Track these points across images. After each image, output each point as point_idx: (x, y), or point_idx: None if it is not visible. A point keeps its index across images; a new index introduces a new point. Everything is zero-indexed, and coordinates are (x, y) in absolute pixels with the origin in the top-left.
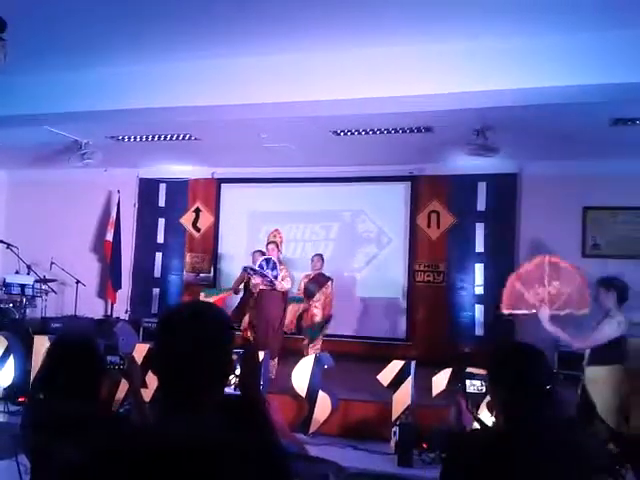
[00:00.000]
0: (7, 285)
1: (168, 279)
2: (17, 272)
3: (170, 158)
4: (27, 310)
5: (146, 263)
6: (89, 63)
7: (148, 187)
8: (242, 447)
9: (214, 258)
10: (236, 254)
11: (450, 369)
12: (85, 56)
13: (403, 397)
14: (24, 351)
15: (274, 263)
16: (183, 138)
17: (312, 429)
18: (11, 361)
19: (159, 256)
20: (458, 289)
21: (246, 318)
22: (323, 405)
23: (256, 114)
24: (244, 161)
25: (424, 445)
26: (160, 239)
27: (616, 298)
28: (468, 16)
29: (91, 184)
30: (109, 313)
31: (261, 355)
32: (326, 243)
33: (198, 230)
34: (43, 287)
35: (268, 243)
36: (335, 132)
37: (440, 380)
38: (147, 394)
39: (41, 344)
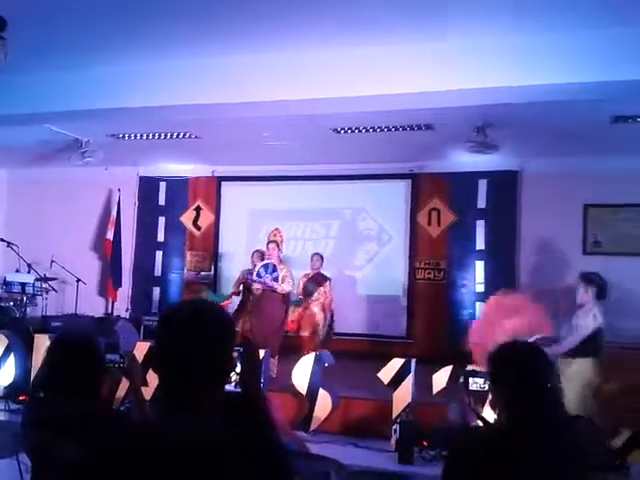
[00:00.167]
0: (7, 283)
1: (169, 277)
2: (17, 270)
3: (170, 156)
4: (28, 308)
5: (147, 261)
6: (89, 62)
7: (148, 185)
8: (243, 445)
9: (215, 256)
10: (237, 252)
11: (450, 367)
12: (85, 55)
13: (403, 395)
14: (25, 350)
15: (273, 266)
16: (183, 136)
17: (313, 427)
18: (12, 360)
19: (159, 254)
20: (459, 287)
21: (243, 322)
22: (324, 403)
23: (255, 112)
24: (244, 159)
25: (425, 442)
26: (160, 237)
27: (595, 294)
28: (467, 13)
29: (91, 183)
30: (110, 311)
31: (262, 353)
32: (326, 241)
33: (199, 228)
34: (43, 285)
35: (269, 242)
36: (335, 130)
37: (440, 378)
38: (148, 392)
39: (42, 343)
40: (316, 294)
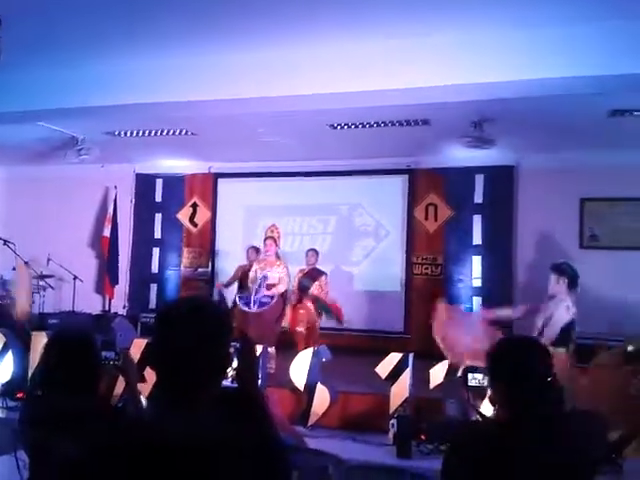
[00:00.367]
0: (4, 281)
1: (166, 274)
2: (14, 268)
3: (166, 153)
4: None
5: (143, 259)
6: (84, 59)
7: (145, 182)
8: (240, 441)
9: (212, 253)
10: (234, 249)
11: (447, 361)
12: (80, 52)
13: (401, 389)
14: (22, 347)
15: (264, 277)
16: (179, 133)
17: (311, 422)
18: (9, 357)
19: (156, 251)
20: (456, 281)
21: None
22: (322, 398)
23: (251, 109)
24: (241, 156)
25: (422, 436)
26: (157, 234)
27: (567, 284)
28: (464, 7)
29: (88, 180)
30: (107, 309)
31: (259, 349)
32: (323, 237)
33: (195, 225)
34: (40, 283)
35: (266, 238)
36: (332, 125)
37: (438, 372)
38: (145, 389)
39: (39, 340)
40: (312, 289)
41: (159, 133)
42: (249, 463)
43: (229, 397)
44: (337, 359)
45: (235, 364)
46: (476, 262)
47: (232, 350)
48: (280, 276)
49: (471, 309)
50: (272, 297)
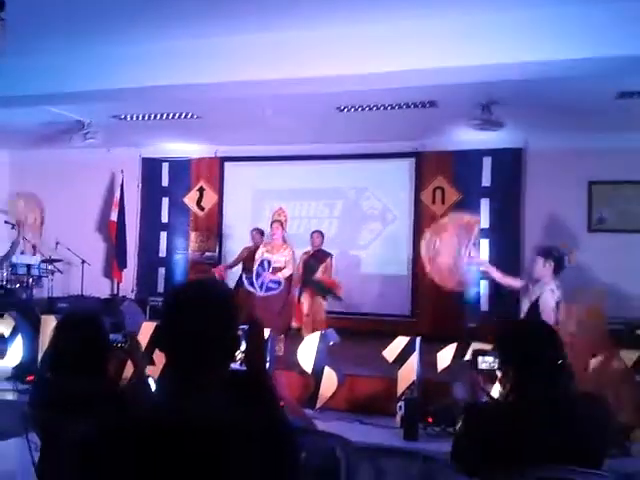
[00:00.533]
0: (13, 265)
1: (173, 258)
2: (23, 252)
3: (172, 136)
4: (34, 290)
5: (151, 242)
6: (90, 43)
7: (151, 166)
8: (249, 423)
9: (219, 237)
10: (241, 233)
11: (455, 344)
12: (86, 36)
13: (408, 372)
14: (32, 331)
15: (267, 261)
16: (185, 116)
17: (319, 404)
18: (19, 340)
19: (164, 235)
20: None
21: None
22: (329, 381)
23: (258, 91)
24: (247, 139)
25: (429, 419)
26: (164, 218)
27: (553, 268)
28: None
29: (94, 164)
30: (115, 292)
31: (267, 332)
32: (330, 220)
33: (202, 209)
34: (49, 267)
35: (272, 222)
36: (339, 108)
37: (445, 355)
38: (155, 371)
39: (48, 324)
40: (319, 271)
41: (165, 116)
42: (257, 445)
43: (238, 380)
44: (344, 342)
45: (244, 347)
46: (484, 245)
47: (240, 333)
48: (286, 259)
49: (478, 293)
50: (279, 283)
